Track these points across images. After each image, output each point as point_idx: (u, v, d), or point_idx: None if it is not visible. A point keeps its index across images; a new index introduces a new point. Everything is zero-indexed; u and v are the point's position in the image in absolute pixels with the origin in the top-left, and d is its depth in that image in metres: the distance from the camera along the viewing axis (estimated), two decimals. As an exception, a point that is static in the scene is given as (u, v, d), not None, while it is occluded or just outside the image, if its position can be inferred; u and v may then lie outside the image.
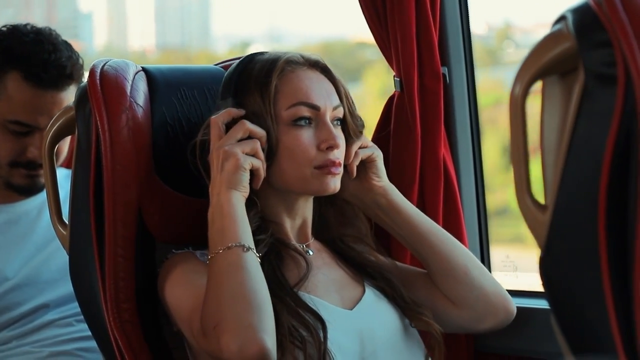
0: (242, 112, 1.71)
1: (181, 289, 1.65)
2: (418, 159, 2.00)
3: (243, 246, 1.59)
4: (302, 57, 1.77)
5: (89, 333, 2.10)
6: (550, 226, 1.20)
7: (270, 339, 1.52)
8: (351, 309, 1.74)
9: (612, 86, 1.10)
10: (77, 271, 1.79)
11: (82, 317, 2.11)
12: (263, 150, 1.70)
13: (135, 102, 1.75)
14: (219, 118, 1.70)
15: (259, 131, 1.69)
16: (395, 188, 1.84)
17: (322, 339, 1.62)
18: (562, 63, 1.20)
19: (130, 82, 1.77)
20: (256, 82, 1.73)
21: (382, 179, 1.84)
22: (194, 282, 1.65)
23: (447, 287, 1.82)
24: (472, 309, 1.82)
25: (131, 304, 1.72)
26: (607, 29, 1.11)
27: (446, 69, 2.06)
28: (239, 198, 1.64)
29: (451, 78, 2.09)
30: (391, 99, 2.06)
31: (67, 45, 2.20)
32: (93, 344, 2.11)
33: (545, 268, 1.22)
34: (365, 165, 1.82)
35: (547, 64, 1.21)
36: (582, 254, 1.16)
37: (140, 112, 1.76)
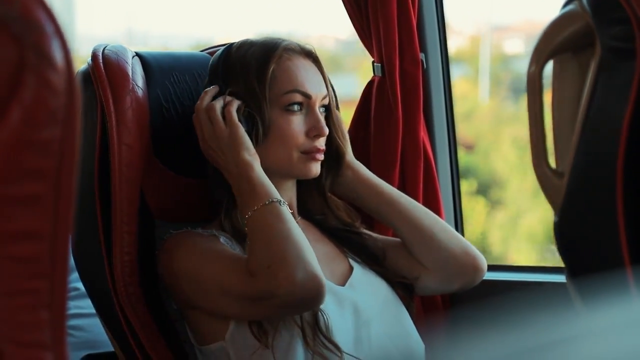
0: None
1: (198, 256, 1.73)
2: (399, 141, 2.09)
3: (280, 201, 1.70)
4: (298, 45, 1.86)
5: (79, 311, 2.14)
6: (567, 190, 1.30)
7: (323, 278, 1.63)
8: (343, 285, 1.83)
9: (630, 59, 1.21)
10: (80, 248, 1.84)
11: (71, 294, 2.16)
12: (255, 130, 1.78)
13: (136, 84, 1.81)
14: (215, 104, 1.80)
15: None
16: (357, 161, 1.94)
17: None
18: (576, 41, 1.30)
19: (130, 65, 1.83)
20: (252, 66, 1.80)
21: (348, 154, 1.94)
22: (211, 248, 1.74)
23: (417, 252, 1.91)
24: (443, 271, 1.90)
25: (135, 277, 1.79)
26: (625, 7, 1.21)
27: (424, 55, 2.15)
28: (256, 163, 1.75)
29: (428, 64, 2.19)
30: (370, 83, 2.15)
31: None
32: (82, 322, 2.16)
33: (562, 231, 1.32)
34: (341, 156, 1.92)
35: (561, 42, 1.31)
36: (599, 216, 1.26)
37: (140, 94, 1.82)
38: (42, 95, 0.81)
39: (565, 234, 1.31)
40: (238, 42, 1.87)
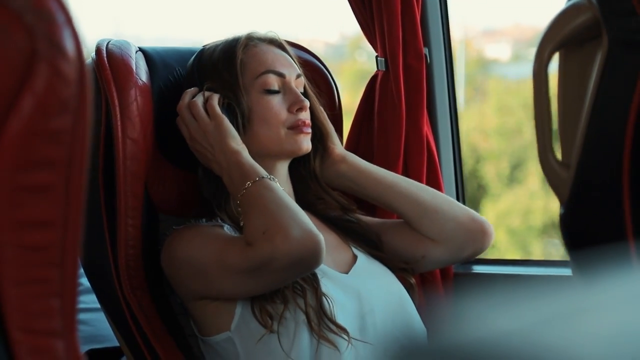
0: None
1: (198, 242, 1.73)
2: (403, 136, 2.09)
3: (270, 178, 1.72)
4: (262, 34, 1.91)
5: (83, 306, 2.15)
6: (574, 182, 1.30)
7: (321, 236, 1.64)
8: (347, 273, 1.84)
9: (637, 50, 1.21)
10: (85, 243, 1.83)
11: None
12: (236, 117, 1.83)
13: (140, 78, 1.82)
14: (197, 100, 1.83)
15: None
16: (351, 153, 1.97)
17: (316, 286, 1.73)
18: (582, 33, 1.30)
19: (134, 60, 1.83)
20: (221, 60, 1.85)
21: (338, 147, 1.96)
22: (211, 232, 1.75)
23: (424, 227, 1.93)
24: (452, 240, 1.92)
25: (140, 271, 1.79)
26: None
27: (427, 49, 2.16)
28: (244, 151, 1.77)
29: (431, 58, 2.19)
30: (374, 78, 2.15)
31: None
32: (86, 316, 2.16)
33: (568, 223, 1.32)
34: (326, 139, 1.95)
35: (568, 34, 1.32)
36: (605, 207, 1.26)
37: (144, 88, 1.82)
38: (54, 84, 0.81)
39: (572, 226, 1.31)
40: (201, 48, 1.93)
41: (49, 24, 0.81)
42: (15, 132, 0.80)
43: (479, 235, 1.92)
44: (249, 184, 1.70)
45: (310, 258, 1.63)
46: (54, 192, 0.83)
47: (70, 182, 0.84)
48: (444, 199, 1.95)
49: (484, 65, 5.18)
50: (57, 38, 0.81)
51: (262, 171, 1.73)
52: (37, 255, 0.84)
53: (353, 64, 4.74)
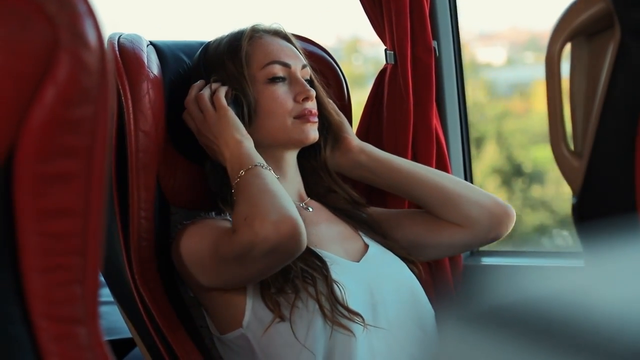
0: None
1: (199, 234, 1.74)
2: (411, 129, 2.10)
3: (262, 165, 1.71)
4: (266, 26, 1.93)
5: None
6: (587, 172, 1.31)
7: (300, 220, 1.62)
8: (357, 262, 1.84)
9: (650, 42, 1.22)
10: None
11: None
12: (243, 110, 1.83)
13: (151, 72, 1.83)
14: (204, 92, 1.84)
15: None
16: (367, 144, 1.98)
17: (326, 274, 1.73)
18: (593, 24, 1.31)
19: (145, 53, 1.84)
20: (227, 53, 1.87)
21: (354, 138, 1.97)
22: (213, 225, 1.75)
23: (448, 213, 1.94)
24: (478, 223, 1.94)
25: (152, 263, 1.80)
26: (644, -10, 1.22)
27: (436, 42, 2.16)
28: (247, 141, 1.77)
29: (440, 51, 2.20)
30: (383, 71, 2.15)
31: None
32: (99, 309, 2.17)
33: (581, 212, 1.33)
34: (337, 129, 1.95)
35: (579, 25, 1.32)
36: (617, 197, 1.27)
37: (156, 81, 1.83)
38: (76, 74, 0.82)
39: (584, 215, 1.32)
40: (206, 43, 1.95)
41: (70, 14, 0.81)
42: (38, 121, 0.81)
43: (504, 218, 1.94)
44: (242, 172, 1.71)
45: (289, 242, 1.60)
46: (75, 180, 0.84)
47: (91, 170, 0.85)
48: (465, 185, 1.97)
49: (475, 69, 5.16)
50: (79, 28, 0.82)
51: (257, 160, 1.73)
52: (59, 243, 0.85)
53: (349, 68, 4.76)
